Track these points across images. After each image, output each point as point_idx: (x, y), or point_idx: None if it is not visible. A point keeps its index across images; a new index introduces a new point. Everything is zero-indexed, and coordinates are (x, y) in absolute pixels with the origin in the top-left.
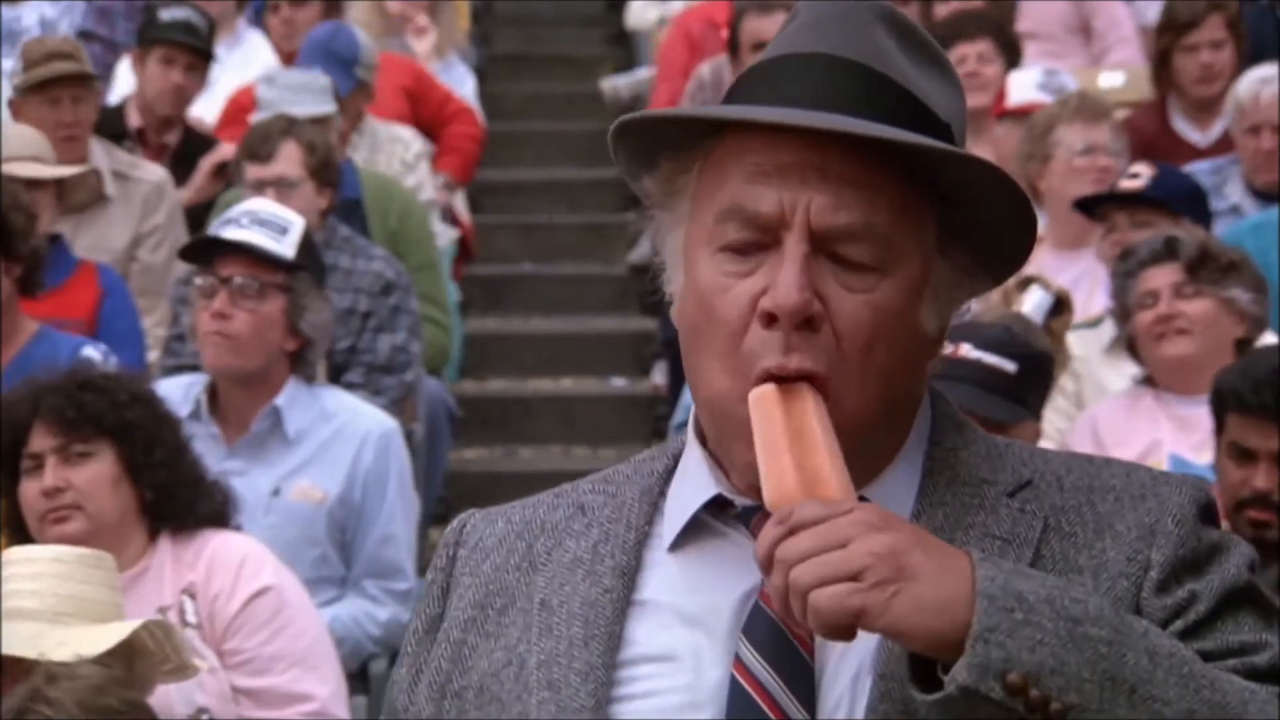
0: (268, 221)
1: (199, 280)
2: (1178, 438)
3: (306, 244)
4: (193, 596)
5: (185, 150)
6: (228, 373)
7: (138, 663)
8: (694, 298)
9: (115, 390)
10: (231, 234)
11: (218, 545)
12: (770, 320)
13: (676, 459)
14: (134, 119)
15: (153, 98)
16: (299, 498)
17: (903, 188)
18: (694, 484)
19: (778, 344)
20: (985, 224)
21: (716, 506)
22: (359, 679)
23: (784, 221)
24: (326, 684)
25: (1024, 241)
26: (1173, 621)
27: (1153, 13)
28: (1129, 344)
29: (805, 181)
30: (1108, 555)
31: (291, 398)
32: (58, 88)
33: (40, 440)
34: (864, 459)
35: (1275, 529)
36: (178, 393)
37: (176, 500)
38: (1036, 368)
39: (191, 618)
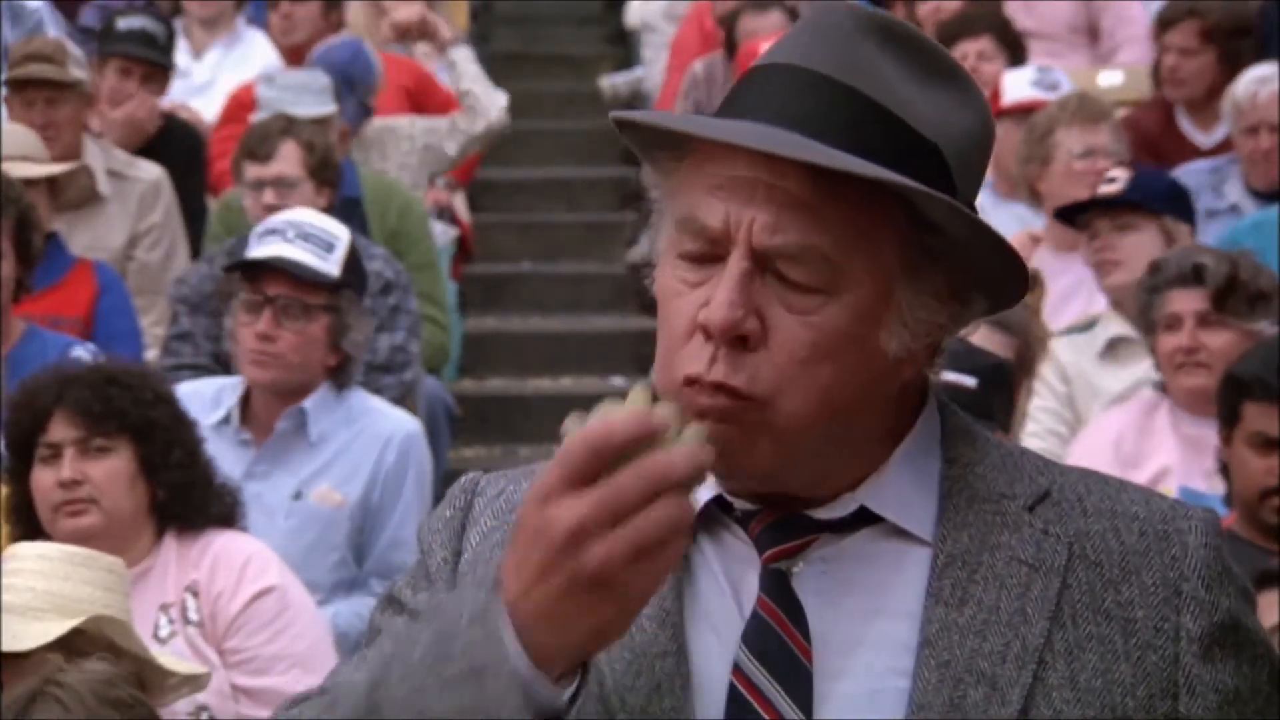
0: (313, 236)
1: (243, 295)
2: (1188, 460)
3: (351, 259)
4: (195, 594)
5: (156, 147)
6: (270, 387)
7: (147, 677)
8: (658, 297)
9: (141, 388)
10: (277, 249)
11: (223, 544)
12: (708, 333)
13: None
14: (96, 124)
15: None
16: (320, 501)
17: (862, 211)
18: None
19: (706, 355)
20: (963, 249)
21: (718, 504)
22: None
23: (729, 237)
24: None
25: (1010, 266)
26: (1226, 699)
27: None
28: (1155, 358)
29: (752, 199)
30: (1135, 613)
31: (319, 401)
32: (32, 89)
33: (60, 430)
34: (822, 464)
35: None
36: (207, 392)
37: (188, 501)
38: (997, 379)
39: (194, 615)
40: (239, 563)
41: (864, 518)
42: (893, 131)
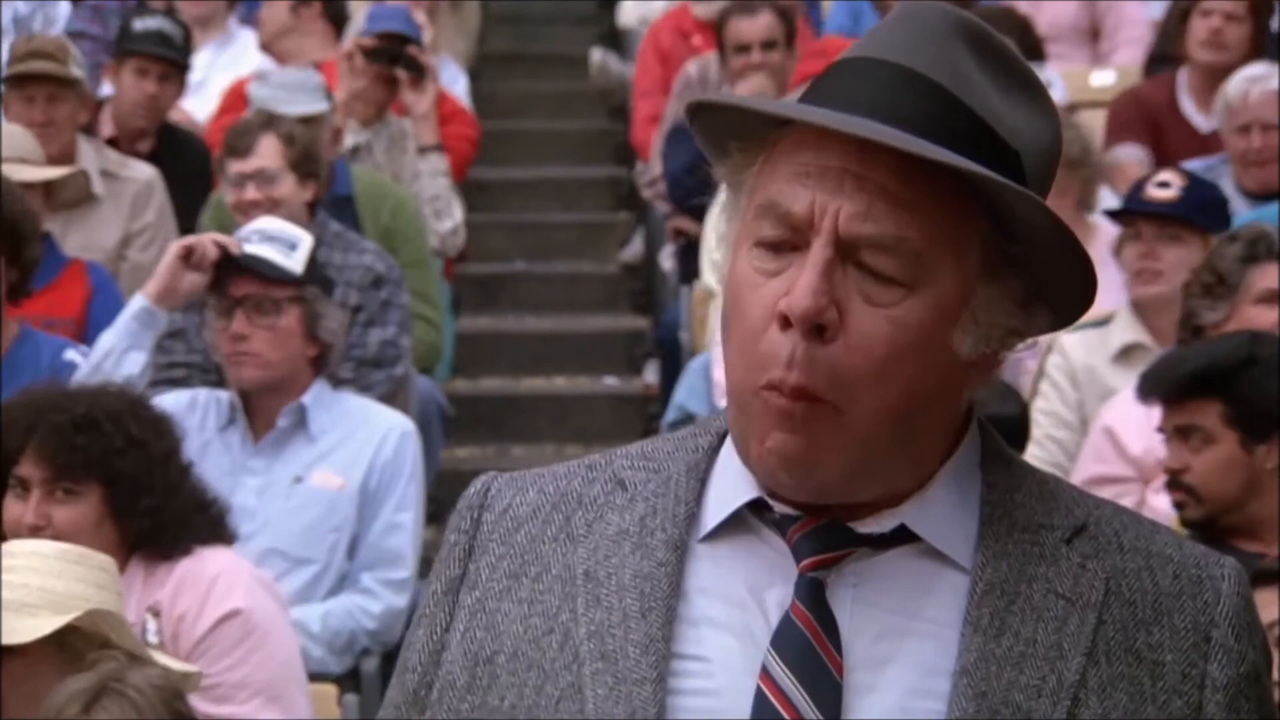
0: (277, 238)
1: (212, 301)
2: None
3: (314, 260)
4: (156, 615)
5: (160, 154)
6: (256, 386)
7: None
8: (730, 288)
9: (113, 435)
10: (245, 250)
11: (190, 564)
12: (786, 323)
13: (721, 437)
14: (107, 127)
15: (128, 108)
16: (320, 483)
17: (949, 208)
18: (736, 478)
19: (785, 355)
20: (1040, 257)
21: (754, 505)
22: (351, 678)
23: (813, 225)
24: (290, 714)
25: (1083, 279)
26: None
27: (1157, 11)
28: (1197, 327)
29: (841, 187)
30: (1165, 657)
31: (317, 398)
32: (32, 85)
33: (29, 468)
34: (885, 473)
35: (1189, 508)
36: (212, 399)
37: (159, 540)
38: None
39: (153, 637)
40: (205, 583)
41: (901, 534)
42: (979, 134)
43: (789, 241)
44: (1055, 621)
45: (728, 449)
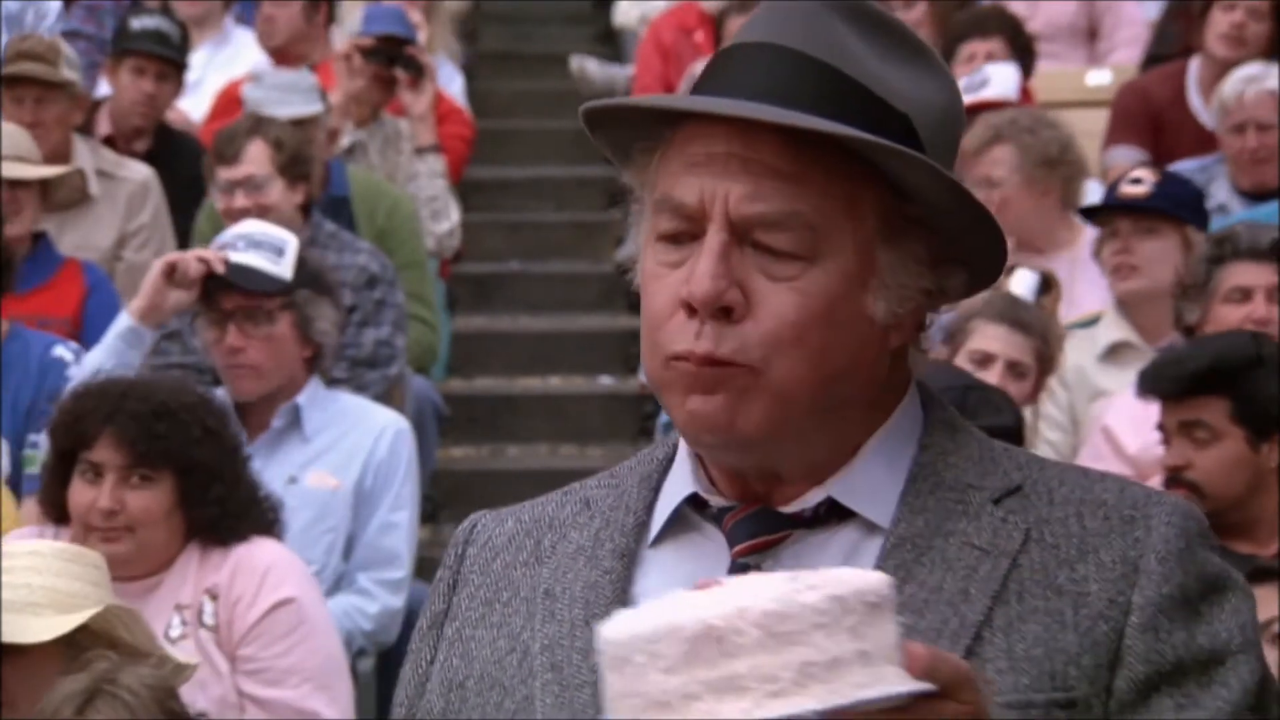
0: (263, 243)
1: (203, 313)
2: None
3: (303, 263)
4: (214, 598)
5: (156, 154)
6: (255, 396)
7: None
8: (642, 286)
9: (190, 425)
10: (232, 259)
11: (245, 551)
12: (691, 310)
13: (676, 448)
14: (104, 126)
15: (126, 107)
16: (315, 484)
17: (839, 177)
18: (679, 480)
19: (691, 331)
20: (943, 216)
21: (699, 502)
22: None
23: (706, 212)
24: (336, 704)
25: (989, 237)
26: (1158, 670)
27: (1154, 11)
28: (1186, 327)
29: (728, 171)
30: (1090, 587)
31: (311, 397)
32: (21, 87)
33: (104, 453)
34: (810, 437)
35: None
36: None
37: (222, 526)
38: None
39: (209, 619)
40: (260, 570)
41: (838, 513)
42: (862, 102)
43: (687, 232)
44: (965, 570)
45: (680, 458)
